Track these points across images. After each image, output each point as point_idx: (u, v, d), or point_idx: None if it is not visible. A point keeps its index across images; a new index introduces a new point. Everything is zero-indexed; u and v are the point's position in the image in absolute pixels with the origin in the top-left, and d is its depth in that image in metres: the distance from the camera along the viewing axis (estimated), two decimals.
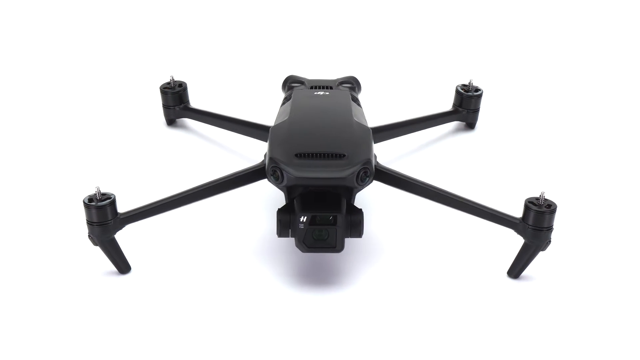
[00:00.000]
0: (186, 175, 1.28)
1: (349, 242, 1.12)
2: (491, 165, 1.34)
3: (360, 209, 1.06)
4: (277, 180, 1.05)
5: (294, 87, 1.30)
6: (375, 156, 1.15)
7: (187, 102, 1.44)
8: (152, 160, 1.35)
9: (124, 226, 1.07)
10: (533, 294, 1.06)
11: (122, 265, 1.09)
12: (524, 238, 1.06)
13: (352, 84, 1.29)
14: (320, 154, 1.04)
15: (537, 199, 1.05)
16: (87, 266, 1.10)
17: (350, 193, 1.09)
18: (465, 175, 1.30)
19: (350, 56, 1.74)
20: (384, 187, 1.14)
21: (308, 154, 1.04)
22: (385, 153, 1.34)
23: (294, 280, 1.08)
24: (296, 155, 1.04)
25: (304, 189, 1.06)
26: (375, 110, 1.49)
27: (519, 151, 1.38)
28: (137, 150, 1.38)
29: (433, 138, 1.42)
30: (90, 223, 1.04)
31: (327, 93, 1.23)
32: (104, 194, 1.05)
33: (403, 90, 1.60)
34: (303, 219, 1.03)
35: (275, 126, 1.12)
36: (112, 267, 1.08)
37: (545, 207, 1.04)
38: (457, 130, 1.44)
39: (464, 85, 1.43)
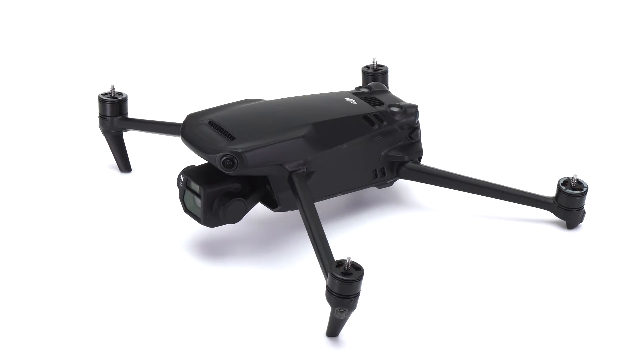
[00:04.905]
0: None
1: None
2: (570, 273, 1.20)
3: (242, 200, 1.11)
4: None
5: (357, 87, 1.32)
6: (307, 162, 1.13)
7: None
8: None
9: (126, 128, 1.29)
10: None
11: (122, 164, 1.33)
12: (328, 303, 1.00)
13: (400, 109, 1.26)
14: (221, 129, 1.12)
15: (341, 263, 0.98)
16: (96, 157, 1.37)
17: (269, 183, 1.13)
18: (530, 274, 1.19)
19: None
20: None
21: (216, 125, 1.12)
22: (470, 206, 1.31)
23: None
24: (209, 122, 1.14)
25: None
26: (480, 167, 1.40)
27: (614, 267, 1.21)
28: None
29: (521, 217, 1.30)
30: (100, 115, 1.30)
31: (354, 103, 1.24)
32: (119, 93, 1.29)
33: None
34: (181, 177, 1.13)
35: (249, 99, 1.21)
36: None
37: (347, 274, 0.97)
38: (554, 223, 1.29)
39: (569, 178, 1.26)
